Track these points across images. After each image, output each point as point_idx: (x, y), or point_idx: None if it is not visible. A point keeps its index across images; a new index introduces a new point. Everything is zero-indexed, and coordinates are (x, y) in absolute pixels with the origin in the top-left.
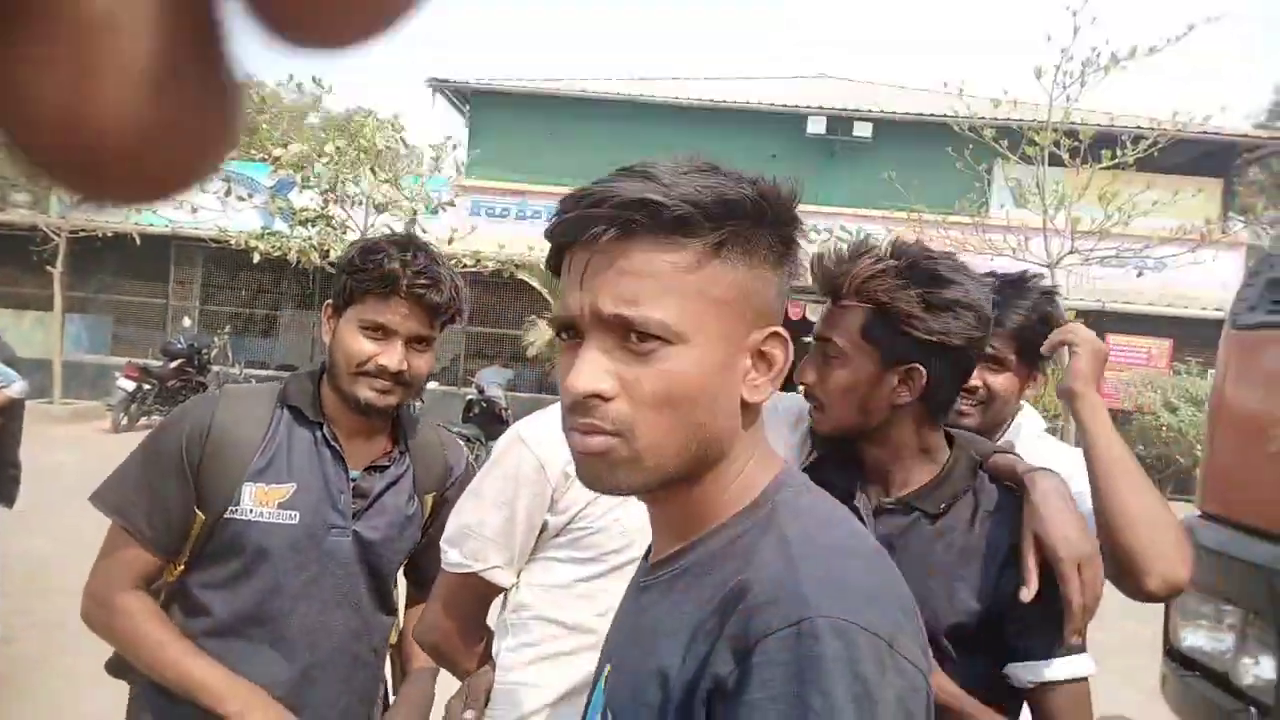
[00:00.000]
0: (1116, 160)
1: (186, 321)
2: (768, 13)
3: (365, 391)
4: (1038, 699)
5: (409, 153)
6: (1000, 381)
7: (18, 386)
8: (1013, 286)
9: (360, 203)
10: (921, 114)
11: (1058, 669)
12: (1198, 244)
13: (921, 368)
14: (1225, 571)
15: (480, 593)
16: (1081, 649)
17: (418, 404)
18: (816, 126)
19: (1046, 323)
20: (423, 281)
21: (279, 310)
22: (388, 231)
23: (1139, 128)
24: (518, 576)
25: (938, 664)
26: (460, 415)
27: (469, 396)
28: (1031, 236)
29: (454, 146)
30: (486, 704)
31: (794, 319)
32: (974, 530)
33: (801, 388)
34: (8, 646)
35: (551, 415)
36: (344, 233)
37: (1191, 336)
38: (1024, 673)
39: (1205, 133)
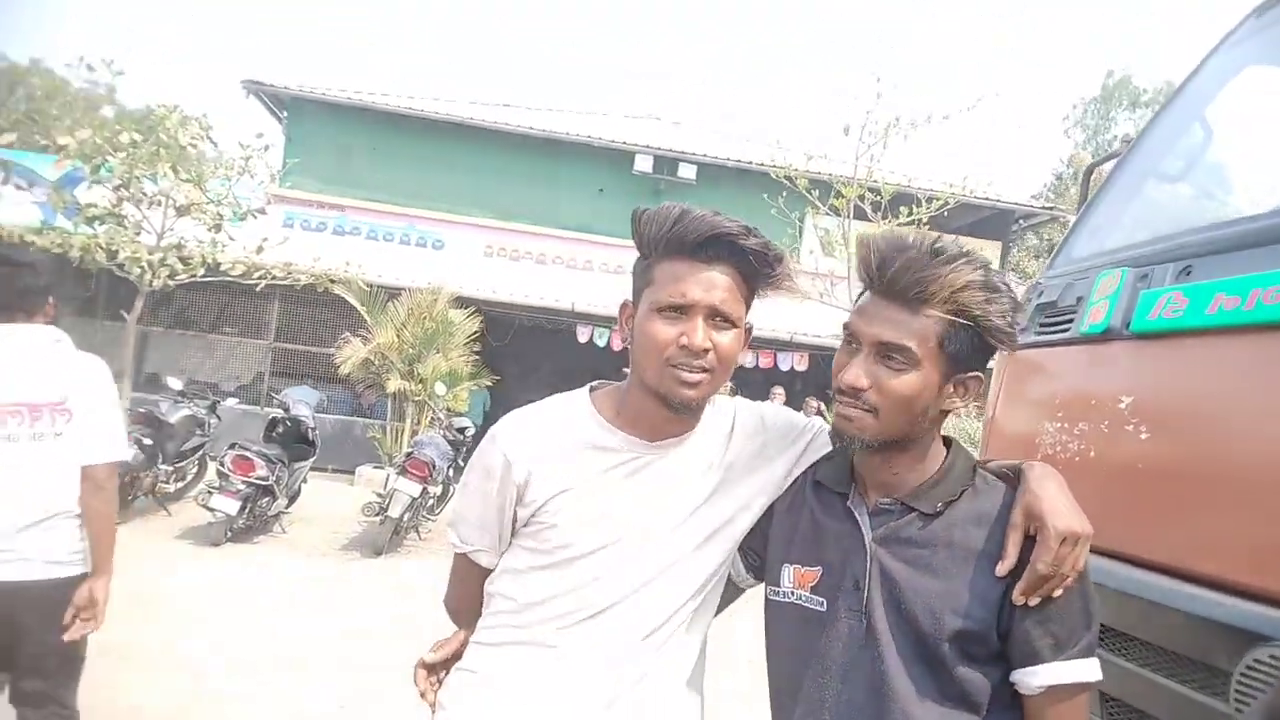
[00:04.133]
0: (913, 217)
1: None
2: (607, 51)
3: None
4: (1037, 705)
5: (217, 155)
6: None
7: None
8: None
9: (158, 203)
10: (741, 161)
11: (1062, 672)
12: None
13: (980, 375)
14: None
15: (474, 570)
16: (1087, 652)
17: (213, 421)
18: (644, 165)
19: None
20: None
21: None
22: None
23: (932, 189)
24: (499, 559)
25: (942, 680)
26: (262, 435)
27: (272, 415)
28: (838, 283)
29: (266, 148)
30: (451, 661)
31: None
32: (975, 530)
33: (840, 393)
34: None
35: (522, 415)
36: (137, 233)
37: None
38: (1029, 678)
39: (988, 200)
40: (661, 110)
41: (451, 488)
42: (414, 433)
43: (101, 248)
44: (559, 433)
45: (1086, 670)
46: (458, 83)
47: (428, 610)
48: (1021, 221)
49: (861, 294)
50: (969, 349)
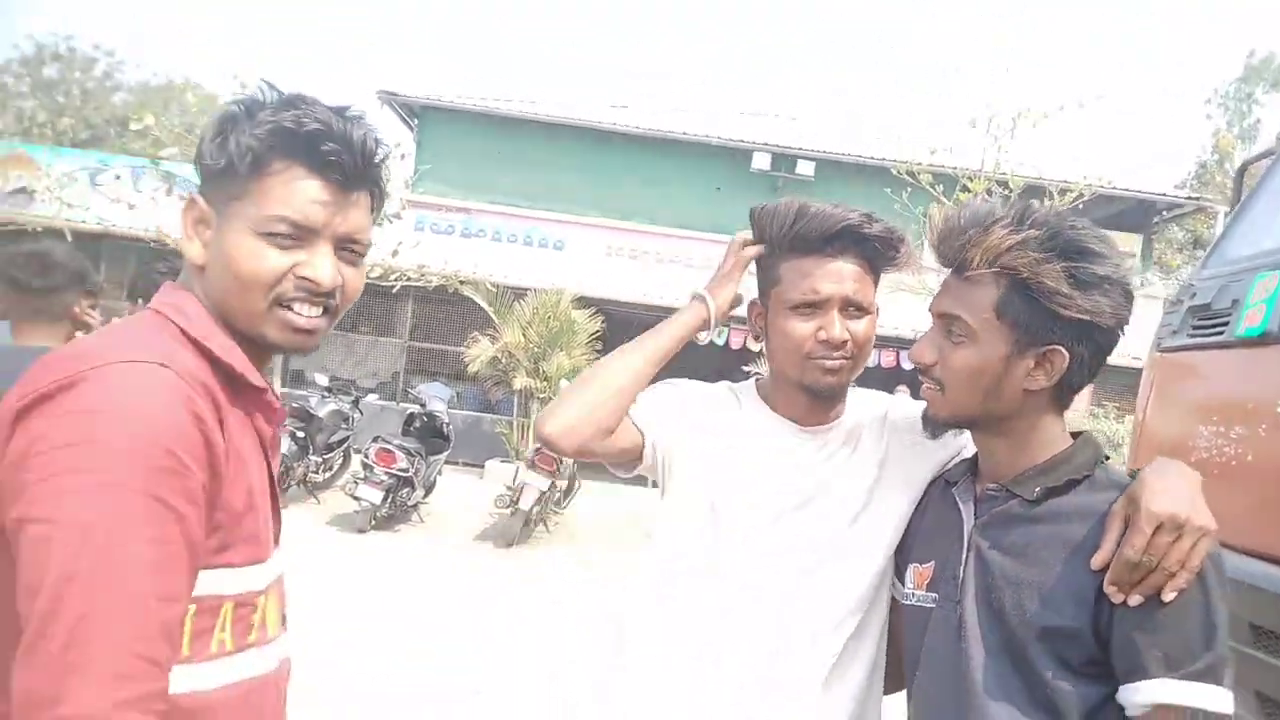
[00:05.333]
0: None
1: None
2: (722, 48)
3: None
4: None
5: None
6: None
7: None
8: None
9: None
10: (861, 156)
11: (1172, 692)
12: None
13: (1064, 350)
14: None
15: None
16: (1209, 676)
17: (356, 416)
18: (761, 163)
19: None
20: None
21: None
22: None
23: (1065, 181)
24: (652, 432)
25: (1031, 682)
26: (400, 429)
27: (410, 410)
28: None
29: (402, 156)
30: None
31: (734, 348)
32: (1079, 522)
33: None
34: None
35: (689, 383)
36: None
37: (1110, 383)
38: (1132, 695)
39: (1128, 190)
40: (778, 105)
41: (578, 482)
42: None
43: None
44: (724, 399)
45: (1207, 697)
46: (573, 86)
47: (558, 601)
48: (1164, 213)
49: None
50: (1036, 317)
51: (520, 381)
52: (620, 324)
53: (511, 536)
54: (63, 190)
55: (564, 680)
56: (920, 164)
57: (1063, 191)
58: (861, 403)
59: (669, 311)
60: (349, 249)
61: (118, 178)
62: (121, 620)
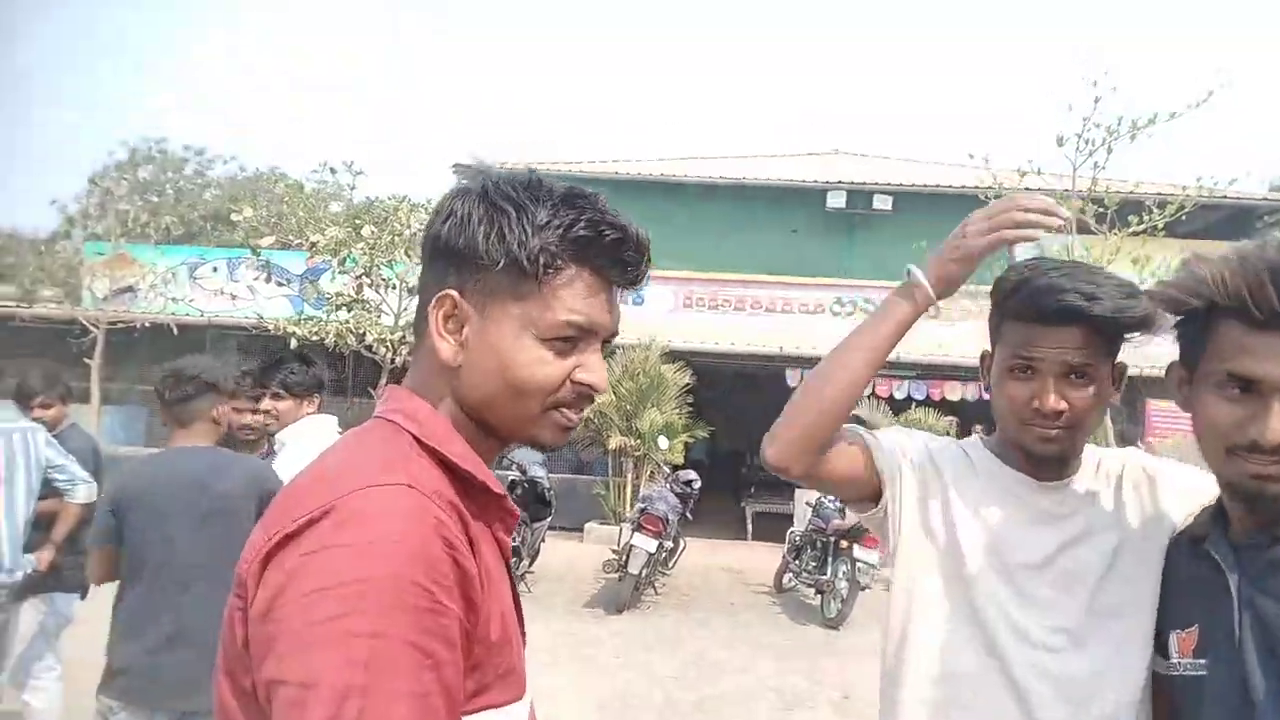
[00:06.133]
0: (1144, 225)
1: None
2: (780, 95)
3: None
4: None
5: None
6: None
7: (83, 491)
8: None
9: (394, 286)
10: (940, 185)
11: None
12: None
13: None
14: None
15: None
16: None
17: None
18: (836, 201)
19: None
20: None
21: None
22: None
23: (1159, 194)
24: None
25: None
26: None
27: (510, 477)
28: None
29: None
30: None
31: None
32: None
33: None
34: None
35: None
36: (378, 316)
37: None
38: None
39: (1227, 197)
40: (843, 143)
41: (683, 541)
42: (636, 488)
43: (351, 331)
44: (955, 451)
45: None
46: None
47: (678, 666)
48: (1265, 218)
49: (1232, 324)
50: None
51: (615, 440)
52: (706, 375)
53: (622, 602)
54: (165, 286)
55: None
56: (1007, 189)
57: (1161, 205)
58: (1098, 457)
59: (755, 358)
60: (606, 341)
61: (215, 270)
62: None
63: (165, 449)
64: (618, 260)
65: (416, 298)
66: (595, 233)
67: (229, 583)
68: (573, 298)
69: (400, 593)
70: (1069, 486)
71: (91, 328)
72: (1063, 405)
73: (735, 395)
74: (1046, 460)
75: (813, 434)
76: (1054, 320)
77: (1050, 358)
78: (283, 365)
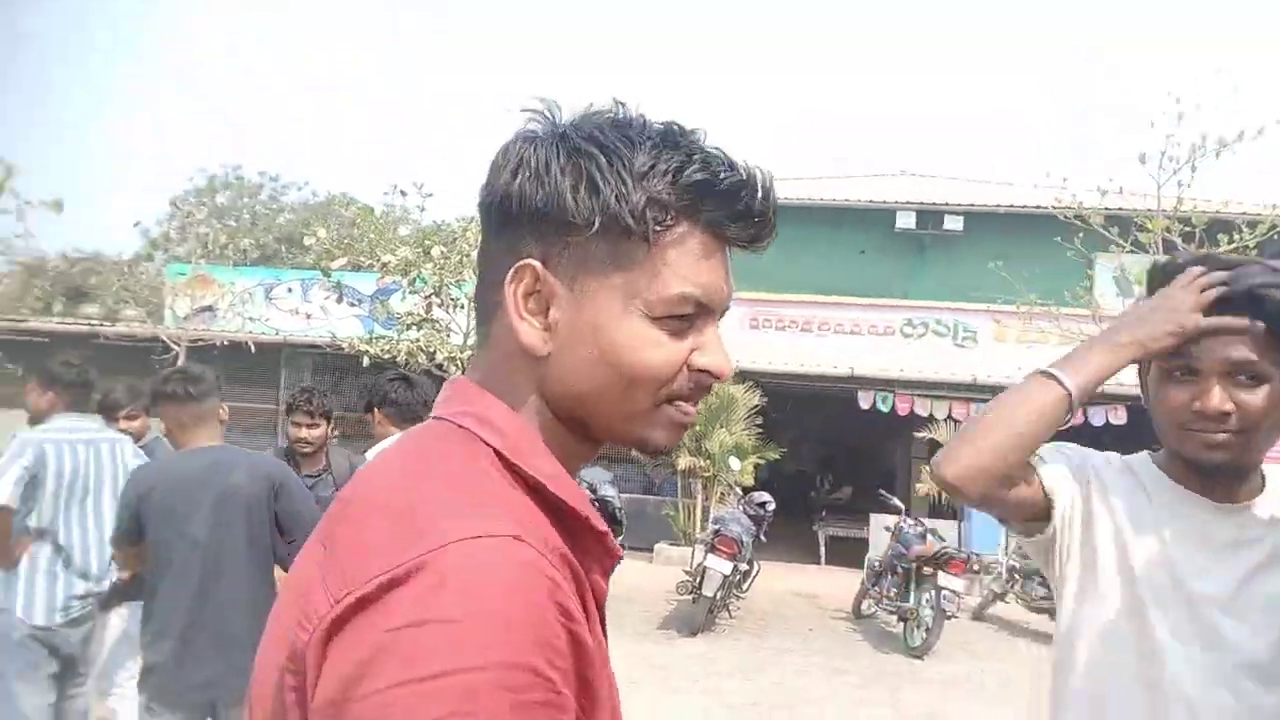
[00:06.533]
0: (1235, 244)
1: None
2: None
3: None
4: None
5: None
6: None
7: None
8: None
9: (463, 305)
10: (1014, 205)
11: None
12: None
13: None
14: None
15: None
16: None
17: None
18: (905, 221)
19: None
20: None
21: None
22: None
23: (1245, 213)
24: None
25: None
26: None
27: None
28: None
29: None
30: None
31: (901, 414)
32: None
33: None
34: None
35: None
36: (447, 335)
37: None
38: None
39: None
40: (909, 165)
41: (756, 564)
42: (705, 509)
43: (421, 350)
44: (1121, 467)
45: None
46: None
47: (755, 693)
48: None
49: None
50: None
51: (684, 461)
52: (775, 395)
53: (696, 625)
54: (243, 305)
55: None
56: (1088, 207)
57: (1252, 224)
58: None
59: (826, 380)
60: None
61: (290, 290)
62: None
63: (182, 451)
64: (739, 213)
65: None
66: (711, 175)
67: (248, 576)
68: (687, 263)
69: (516, 689)
70: (1250, 510)
71: (173, 345)
72: (1229, 406)
73: (803, 417)
74: (1215, 473)
75: (1005, 457)
76: (1219, 309)
77: (1211, 356)
78: (390, 383)
